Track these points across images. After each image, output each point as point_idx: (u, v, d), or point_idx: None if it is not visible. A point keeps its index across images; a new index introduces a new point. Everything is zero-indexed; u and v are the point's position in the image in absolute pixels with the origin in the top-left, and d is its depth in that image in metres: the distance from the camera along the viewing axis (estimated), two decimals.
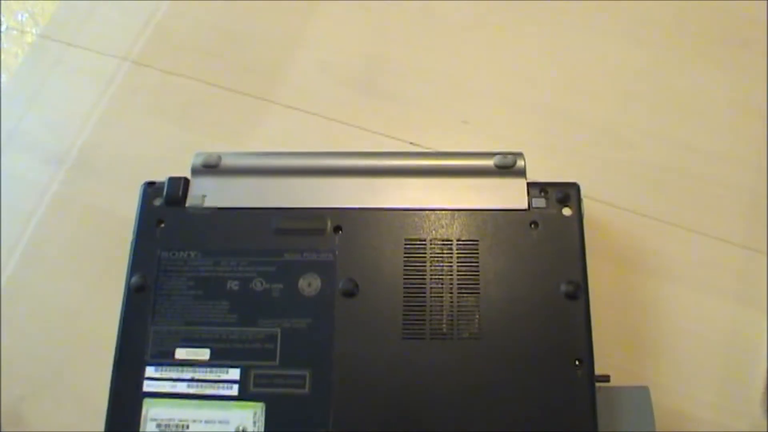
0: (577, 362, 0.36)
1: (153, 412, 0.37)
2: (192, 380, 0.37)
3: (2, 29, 0.60)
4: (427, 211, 0.39)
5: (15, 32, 0.60)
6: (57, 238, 0.49)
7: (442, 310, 0.37)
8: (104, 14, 0.57)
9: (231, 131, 0.51)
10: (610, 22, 0.52)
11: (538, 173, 0.40)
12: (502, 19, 0.53)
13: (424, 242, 0.39)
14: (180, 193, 0.41)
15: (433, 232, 0.39)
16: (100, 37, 0.56)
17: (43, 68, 0.56)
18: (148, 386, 0.37)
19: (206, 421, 0.36)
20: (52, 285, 0.48)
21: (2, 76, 0.57)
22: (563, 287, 0.37)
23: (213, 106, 0.52)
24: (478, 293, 0.37)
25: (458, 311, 0.37)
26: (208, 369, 0.37)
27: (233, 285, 0.38)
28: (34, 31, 0.59)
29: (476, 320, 0.37)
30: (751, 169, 0.47)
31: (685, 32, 0.51)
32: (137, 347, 0.38)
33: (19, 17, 0.61)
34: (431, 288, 0.38)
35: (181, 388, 0.37)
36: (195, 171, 0.41)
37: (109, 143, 0.52)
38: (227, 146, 0.48)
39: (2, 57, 0.59)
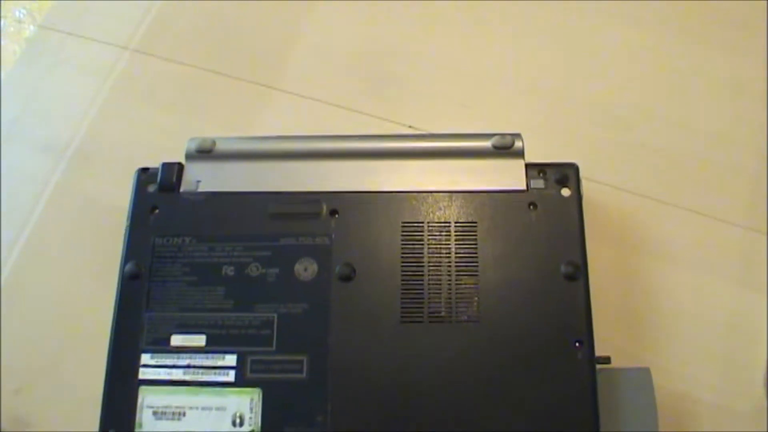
0: (577, 344, 0.35)
1: (149, 400, 0.36)
2: (188, 367, 0.37)
3: (0, 25, 0.60)
4: (424, 194, 0.39)
5: (12, 29, 0.59)
6: (57, 228, 0.49)
7: (440, 294, 0.37)
8: (104, 4, 0.57)
9: (232, 118, 0.51)
10: (609, 4, 0.52)
11: (536, 155, 0.40)
12: (499, 2, 0.53)
13: (421, 225, 0.38)
14: (174, 178, 0.40)
15: (431, 214, 0.38)
16: (100, 26, 0.56)
17: (43, 59, 0.55)
18: (143, 374, 0.37)
19: (203, 408, 0.36)
20: (52, 275, 0.47)
21: (1, 72, 0.57)
22: (563, 268, 0.37)
23: (214, 94, 0.52)
24: (477, 275, 0.37)
25: (457, 294, 0.37)
26: (204, 355, 0.37)
27: (228, 270, 0.38)
28: (31, 27, 0.59)
29: (475, 303, 0.36)
30: (751, 150, 0.46)
31: (685, 13, 0.51)
32: (132, 335, 0.37)
33: (17, 14, 0.61)
34: (429, 271, 0.37)
35: (177, 375, 0.37)
36: (189, 156, 0.41)
37: (109, 133, 0.52)
38: (228, 133, 0.47)
39: (1, 54, 0.58)
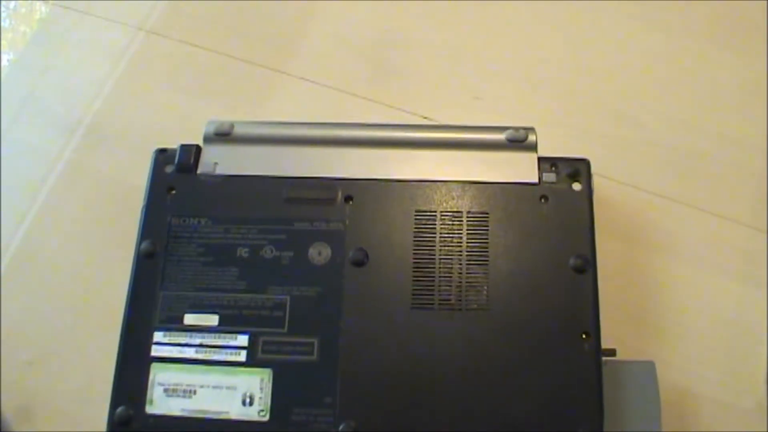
0: (584, 336, 0.36)
1: (160, 377, 0.37)
2: (200, 346, 0.37)
3: (11, 6, 0.60)
4: (438, 183, 0.39)
5: (24, 10, 0.59)
6: (69, 205, 0.49)
7: (450, 282, 0.37)
8: None
9: (244, 102, 0.51)
10: (624, 3, 0.52)
11: (548, 150, 0.40)
12: None
13: (434, 214, 0.39)
14: (192, 160, 0.41)
15: (444, 203, 0.39)
16: (116, 6, 0.56)
17: (58, 36, 0.56)
18: (156, 351, 0.37)
19: (214, 387, 0.36)
20: (63, 251, 0.48)
21: (10, 53, 0.57)
22: (572, 261, 0.37)
23: (227, 77, 0.52)
24: (487, 265, 0.37)
25: (467, 283, 0.37)
26: (217, 335, 0.37)
27: (243, 252, 0.38)
28: (42, 8, 0.59)
29: (485, 292, 0.37)
30: (760, 151, 0.47)
31: (698, 14, 0.52)
32: (146, 312, 0.38)
33: None
34: (440, 259, 0.38)
35: (189, 353, 0.37)
36: (207, 139, 0.41)
37: (122, 112, 0.52)
38: (240, 117, 0.48)
39: (10, 35, 0.58)
